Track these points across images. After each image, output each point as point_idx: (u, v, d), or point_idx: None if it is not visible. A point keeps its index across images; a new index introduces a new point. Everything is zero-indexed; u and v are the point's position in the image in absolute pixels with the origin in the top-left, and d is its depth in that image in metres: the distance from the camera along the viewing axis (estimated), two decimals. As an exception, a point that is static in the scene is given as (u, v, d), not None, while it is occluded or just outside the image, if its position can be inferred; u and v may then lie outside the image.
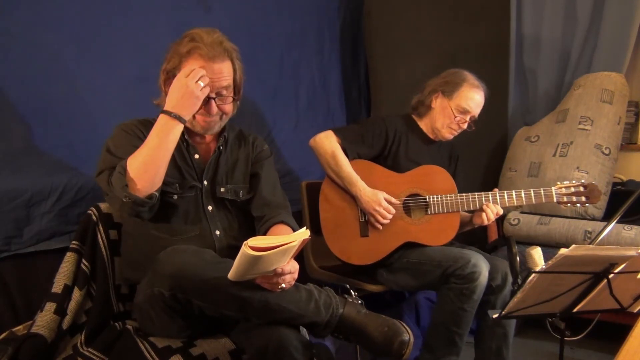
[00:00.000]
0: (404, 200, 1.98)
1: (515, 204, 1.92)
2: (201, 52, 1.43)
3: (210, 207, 1.58)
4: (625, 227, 2.15)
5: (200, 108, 1.45)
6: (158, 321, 1.38)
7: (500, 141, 2.89)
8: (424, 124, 2.11)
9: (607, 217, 2.32)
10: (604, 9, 2.50)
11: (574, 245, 1.10)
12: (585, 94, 2.49)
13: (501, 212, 1.94)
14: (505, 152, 2.73)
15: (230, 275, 1.25)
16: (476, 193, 1.93)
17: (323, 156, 1.99)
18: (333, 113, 3.10)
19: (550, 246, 2.19)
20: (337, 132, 2.01)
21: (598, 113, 2.42)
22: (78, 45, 1.88)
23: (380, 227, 1.94)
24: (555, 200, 1.91)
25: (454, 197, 1.93)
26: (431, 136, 2.10)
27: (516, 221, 2.40)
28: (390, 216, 1.92)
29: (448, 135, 2.05)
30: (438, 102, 2.05)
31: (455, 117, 2.00)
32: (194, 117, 1.48)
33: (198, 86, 1.37)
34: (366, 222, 1.97)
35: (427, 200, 1.95)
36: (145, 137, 1.45)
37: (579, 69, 2.62)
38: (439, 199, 1.94)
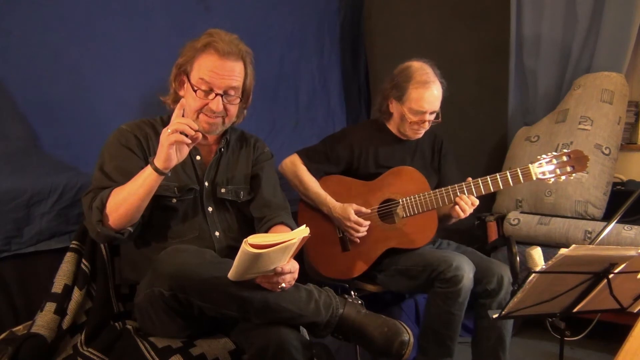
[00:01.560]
0: (378, 207, 1.96)
1: (492, 189, 1.82)
2: (217, 45, 1.45)
3: (210, 208, 1.58)
4: (625, 227, 2.15)
5: (206, 104, 1.47)
6: (158, 321, 1.38)
7: (500, 141, 2.89)
8: (391, 127, 2.05)
9: (607, 217, 2.32)
10: (604, 9, 2.50)
11: (574, 245, 1.10)
12: (585, 94, 2.49)
13: (476, 202, 1.84)
14: (505, 152, 2.73)
15: (230, 274, 1.25)
16: (449, 186, 1.86)
17: (291, 181, 2.01)
18: (333, 113, 3.10)
19: (550, 246, 2.19)
20: (302, 154, 2.02)
21: (598, 113, 2.42)
22: (78, 45, 1.88)
23: (358, 241, 1.94)
24: (535, 179, 1.79)
25: (427, 196, 1.88)
26: (402, 137, 2.04)
27: (516, 221, 2.40)
28: (364, 229, 1.91)
29: (415, 135, 1.98)
30: (394, 107, 1.98)
31: (411, 121, 1.92)
32: (197, 116, 1.49)
33: (165, 133, 1.33)
34: (345, 237, 1.97)
35: (401, 203, 1.92)
36: (142, 146, 1.49)
37: (579, 69, 2.62)
38: (412, 199, 1.90)
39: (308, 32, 2.93)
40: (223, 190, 1.59)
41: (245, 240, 1.17)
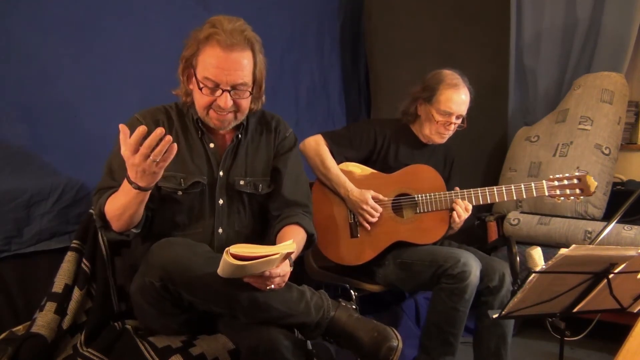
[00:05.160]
0: (393, 199, 1.98)
1: (506, 199, 1.90)
2: (219, 38, 1.36)
3: (221, 201, 1.51)
4: (625, 227, 2.15)
5: (214, 101, 1.40)
6: (150, 311, 1.37)
7: (500, 141, 2.89)
8: (415, 129, 2.09)
9: (607, 217, 2.32)
10: (604, 9, 2.50)
11: (574, 245, 1.10)
12: (585, 94, 2.49)
13: (470, 207, 1.90)
14: (505, 152, 2.73)
15: (219, 271, 1.24)
16: (465, 190, 1.91)
17: (312, 159, 2.00)
18: (333, 113, 3.11)
19: (550, 246, 2.19)
20: (326, 136, 2.02)
21: (598, 113, 2.42)
22: (78, 45, 1.88)
23: (369, 227, 1.95)
24: (547, 194, 1.88)
25: (442, 195, 1.92)
26: (423, 140, 2.07)
27: (516, 221, 2.40)
28: (377, 214, 1.92)
29: (439, 139, 2.02)
30: (422, 109, 2.02)
31: (438, 121, 1.97)
32: (207, 112, 1.44)
33: (151, 164, 1.19)
34: (356, 223, 1.97)
35: (416, 199, 1.95)
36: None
37: (579, 69, 2.62)
38: (428, 197, 1.93)
39: (308, 32, 2.93)
40: (242, 182, 1.52)
41: (227, 249, 1.16)
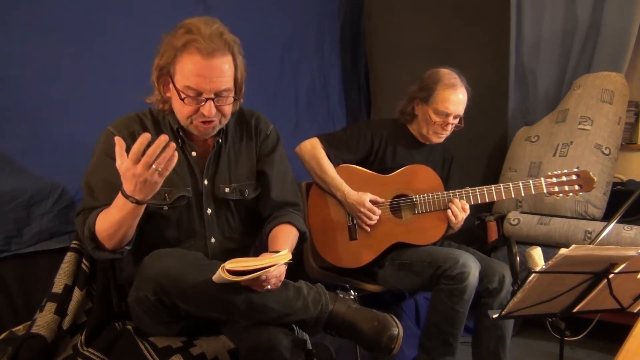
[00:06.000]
0: (391, 201, 1.98)
1: (504, 197, 1.90)
2: (198, 45, 1.30)
3: (209, 210, 1.48)
4: (625, 227, 2.15)
5: (197, 111, 1.36)
6: (148, 321, 1.37)
7: (500, 141, 2.89)
8: (412, 129, 2.08)
9: (607, 217, 2.32)
10: (604, 9, 2.50)
11: (574, 245, 1.10)
12: (585, 94, 2.49)
13: (467, 206, 1.90)
14: (505, 152, 2.73)
15: (215, 278, 1.23)
16: (463, 189, 1.91)
17: (308, 163, 2.00)
18: (333, 113, 3.10)
19: (550, 246, 2.20)
20: (322, 138, 2.01)
21: (598, 113, 2.42)
22: (78, 45, 1.88)
23: (368, 229, 1.95)
24: (545, 191, 1.88)
25: (440, 195, 1.92)
26: (421, 140, 2.07)
27: (516, 221, 2.40)
28: (376, 217, 1.92)
29: (436, 139, 2.01)
30: (419, 109, 2.02)
31: (435, 121, 1.96)
32: (191, 121, 1.39)
33: (153, 173, 1.16)
34: (354, 225, 1.97)
35: (414, 199, 1.94)
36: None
37: (579, 69, 2.62)
38: (426, 197, 1.93)
39: (308, 32, 2.93)
40: (227, 189, 1.49)
41: (222, 265, 1.16)
